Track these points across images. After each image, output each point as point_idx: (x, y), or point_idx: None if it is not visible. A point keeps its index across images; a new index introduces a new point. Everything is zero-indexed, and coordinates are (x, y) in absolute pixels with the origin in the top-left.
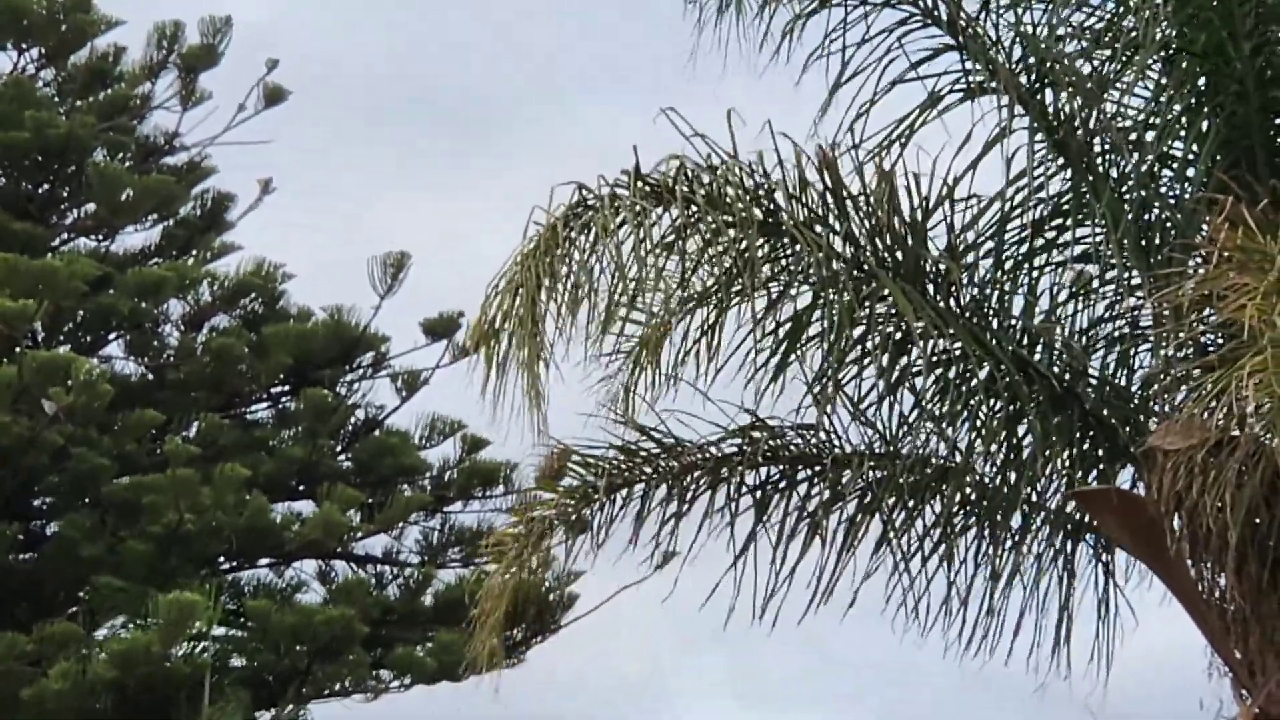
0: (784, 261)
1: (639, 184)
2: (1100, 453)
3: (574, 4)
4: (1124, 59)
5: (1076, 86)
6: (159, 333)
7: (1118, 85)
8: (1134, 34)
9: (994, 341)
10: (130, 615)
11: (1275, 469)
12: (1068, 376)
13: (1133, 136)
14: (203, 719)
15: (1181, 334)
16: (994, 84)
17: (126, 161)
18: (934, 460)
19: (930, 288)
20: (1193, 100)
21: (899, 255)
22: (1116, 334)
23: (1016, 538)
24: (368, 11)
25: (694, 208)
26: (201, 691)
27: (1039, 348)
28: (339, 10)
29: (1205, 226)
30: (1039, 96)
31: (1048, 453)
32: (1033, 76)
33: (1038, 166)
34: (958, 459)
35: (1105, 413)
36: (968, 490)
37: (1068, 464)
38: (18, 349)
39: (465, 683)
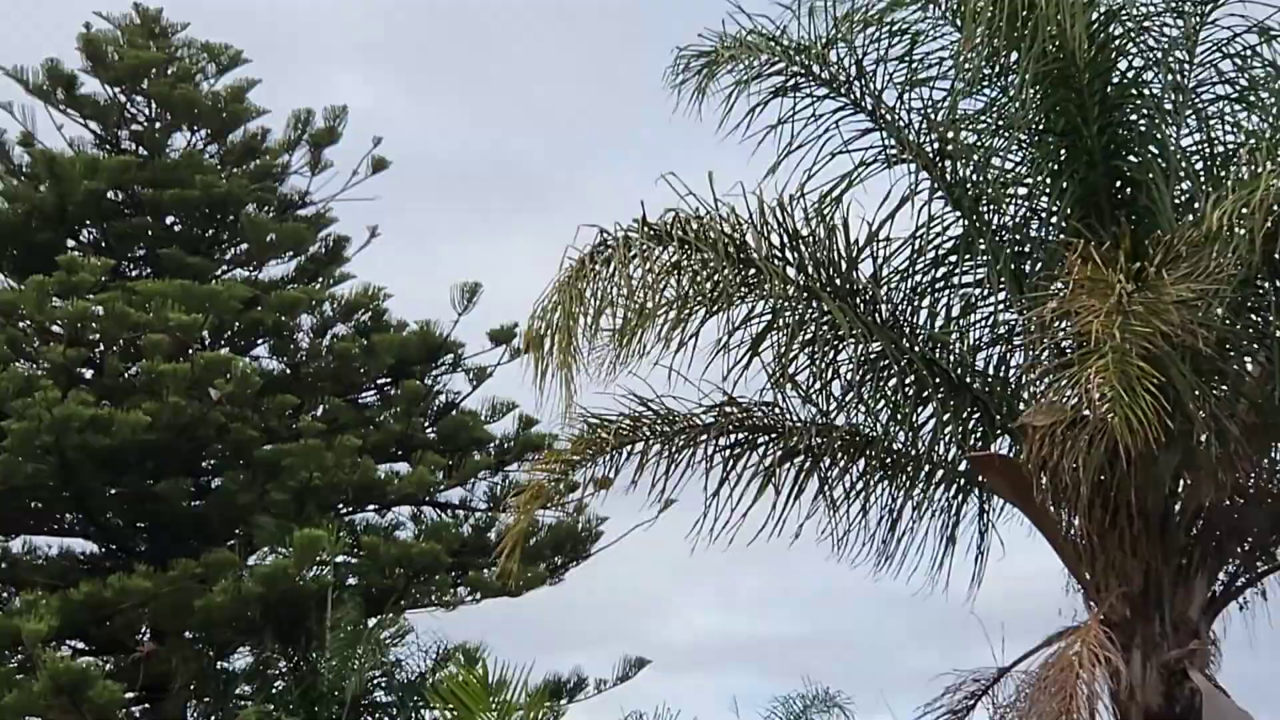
0: (751, 285)
1: (645, 229)
2: (984, 428)
3: (597, 95)
4: (1003, 136)
5: (967, 157)
6: (294, 339)
7: (998, 156)
8: (1011, 118)
9: (906, 344)
10: (273, 547)
11: (1114, 440)
12: (960, 371)
13: (1009, 193)
14: (326, 625)
15: (1045, 341)
16: (906, 155)
17: (270, 213)
18: (860, 431)
19: (859, 305)
20: (1054, 167)
21: (836, 281)
22: (997, 340)
23: (920, 488)
24: (440, 98)
25: (685, 246)
26: (325, 604)
27: (939, 350)
28: (421, 97)
29: (1064, 262)
30: (939, 164)
31: (945, 427)
32: (934, 150)
33: (938, 216)
34: (878, 430)
35: (989, 398)
36: (884, 453)
37: (960, 435)
38: (191, 351)
39: (519, 598)
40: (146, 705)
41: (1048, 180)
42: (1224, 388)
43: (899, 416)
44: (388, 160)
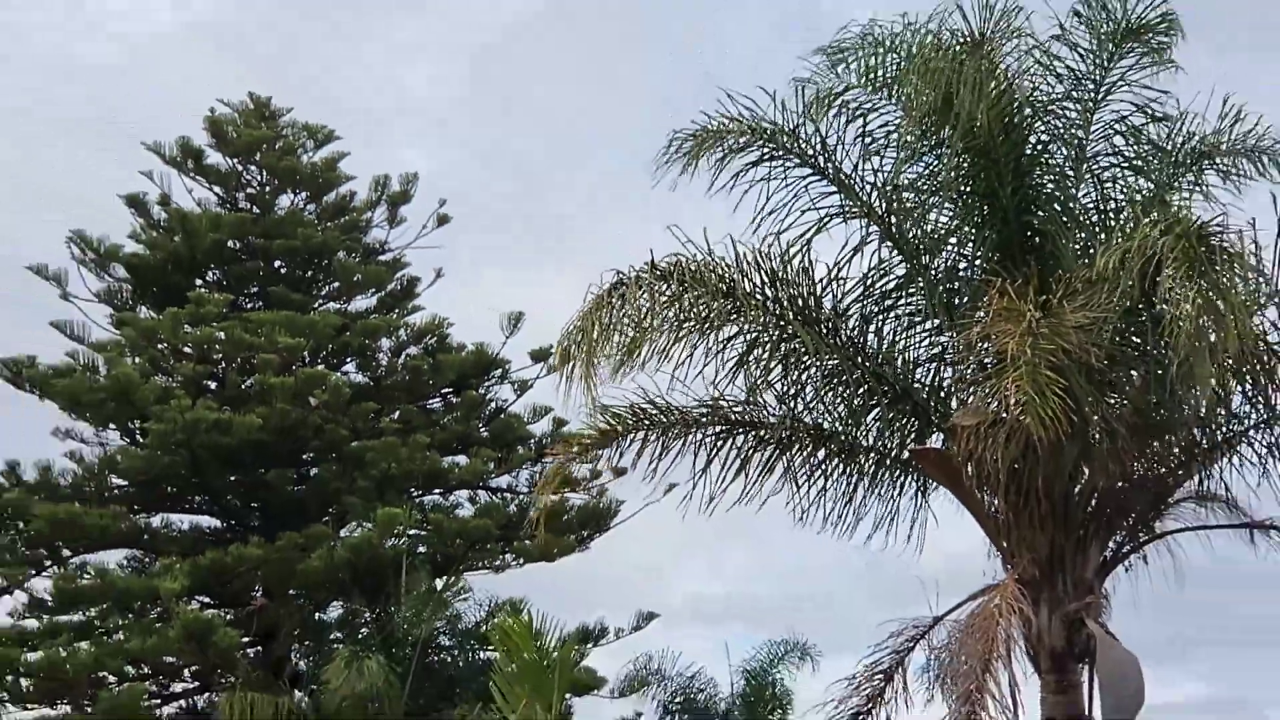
0: (738, 313)
1: (653, 270)
2: (922, 427)
3: (617, 159)
4: (937, 196)
5: (908, 213)
6: (376, 358)
7: (933, 212)
8: (942, 182)
9: (860, 361)
10: (359, 522)
11: (1026, 437)
12: (903, 381)
13: (942, 242)
14: (402, 585)
15: (971, 358)
16: (860, 212)
17: (356, 258)
18: (822, 427)
19: (823, 330)
20: (977, 221)
21: (806, 311)
22: (933, 357)
23: (870, 473)
24: (491, 164)
25: (684, 284)
26: (401, 568)
27: (886, 365)
28: (477, 164)
29: (985, 296)
30: (888, 220)
31: (891, 426)
32: (883, 208)
33: (885, 260)
34: (837, 427)
35: (926, 403)
36: (840, 445)
37: (902, 432)
38: (294, 367)
39: (554, 563)
40: (259, 649)
41: (972, 231)
42: (1113, 395)
43: (853, 417)
44: (450, 216)
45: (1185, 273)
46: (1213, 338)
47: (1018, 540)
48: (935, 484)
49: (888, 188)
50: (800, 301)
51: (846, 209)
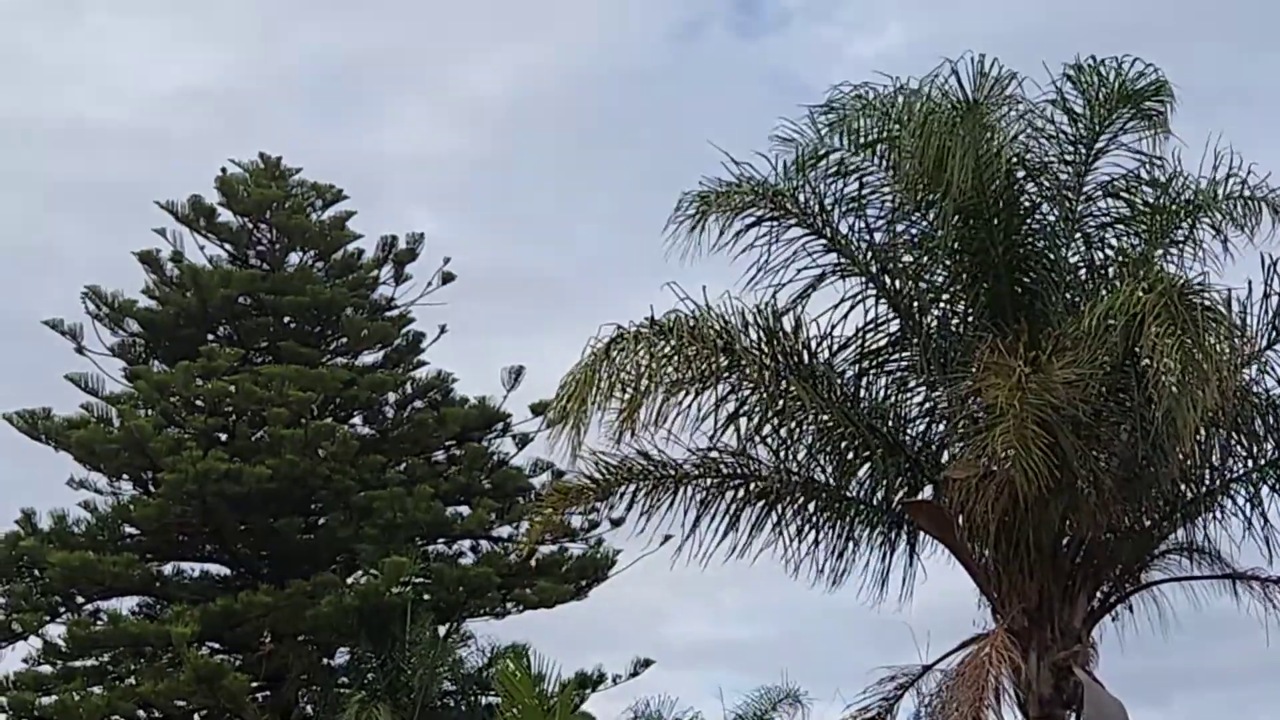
0: (734, 369)
1: (653, 326)
2: (914, 479)
3: (615, 224)
4: (931, 256)
5: (903, 272)
6: (382, 411)
7: (927, 270)
8: (935, 242)
9: (854, 415)
10: (367, 569)
11: (1015, 489)
12: (897, 434)
13: (934, 299)
14: (407, 630)
15: (962, 412)
16: (855, 270)
17: (364, 315)
18: (814, 479)
19: (817, 385)
20: (969, 279)
21: (800, 366)
22: (925, 412)
23: (861, 525)
24: (493, 226)
25: (682, 339)
26: (406, 614)
27: (879, 419)
28: (479, 225)
29: (976, 352)
30: (882, 278)
31: (883, 478)
32: (877, 267)
33: (880, 317)
34: (829, 480)
35: (918, 456)
36: (833, 497)
37: (895, 485)
38: (303, 420)
39: (556, 608)
40: (268, 692)
41: (963, 289)
42: (1100, 449)
43: (846, 470)
44: (454, 274)
45: (1168, 330)
46: (1194, 393)
47: (1008, 589)
48: (926, 535)
49: (880, 247)
50: (795, 357)
51: (844, 267)
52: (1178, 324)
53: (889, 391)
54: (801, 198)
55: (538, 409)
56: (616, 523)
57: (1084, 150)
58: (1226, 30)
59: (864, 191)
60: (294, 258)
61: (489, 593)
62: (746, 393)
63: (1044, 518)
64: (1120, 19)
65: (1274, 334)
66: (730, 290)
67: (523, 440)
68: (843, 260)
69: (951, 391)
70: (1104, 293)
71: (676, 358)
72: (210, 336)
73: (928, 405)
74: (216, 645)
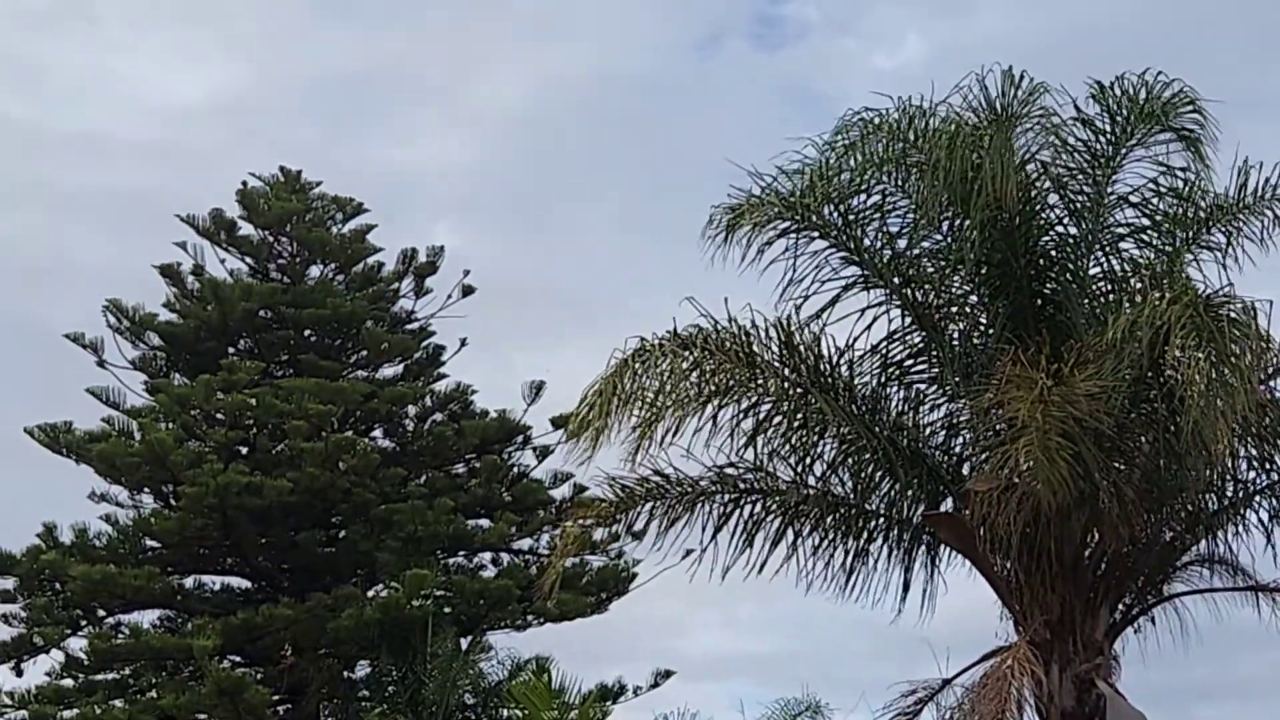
0: (756, 382)
1: (675, 339)
2: (935, 492)
3: (635, 235)
4: (954, 268)
5: (926, 282)
6: (403, 424)
7: (949, 282)
8: (958, 253)
9: (875, 428)
10: (387, 582)
11: (1038, 501)
12: (918, 446)
13: (956, 311)
14: (428, 643)
15: (984, 425)
16: (879, 282)
17: (384, 327)
18: (833, 493)
19: (840, 398)
20: (991, 291)
21: (822, 378)
22: (947, 425)
23: (881, 538)
24: (514, 238)
25: (705, 352)
26: (427, 626)
27: (902, 431)
28: (500, 237)
29: (998, 364)
30: (905, 289)
31: (906, 491)
32: (900, 278)
33: (902, 329)
34: (848, 493)
35: (939, 469)
36: (853, 511)
37: (916, 498)
38: (324, 433)
39: (574, 622)
40: (289, 705)
41: (985, 301)
42: (1122, 461)
43: (866, 482)
44: (474, 287)
45: (1195, 343)
46: (1220, 405)
47: (1029, 602)
48: (946, 548)
49: (903, 258)
50: (817, 369)
51: (869, 279)
52: (1204, 336)
53: (910, 404)
54: (825, 210)
55: (558, 422)
56: (637, 536)
57: (1106, 161)
58: (1243, 36)
59: (886, 205)
60: (315, 271)
61: (510, 605)
62: (768, 406)
63: (1066, 530)
64: (1140, 27)
65: None
66: (751, 303)
67: (543, 452)
68: (865, 272)
69: (975, 406)
70: (1126, 304)
71: (698, 371)
72: (231, 350)
73: (948, 418)
74: (238, 658)
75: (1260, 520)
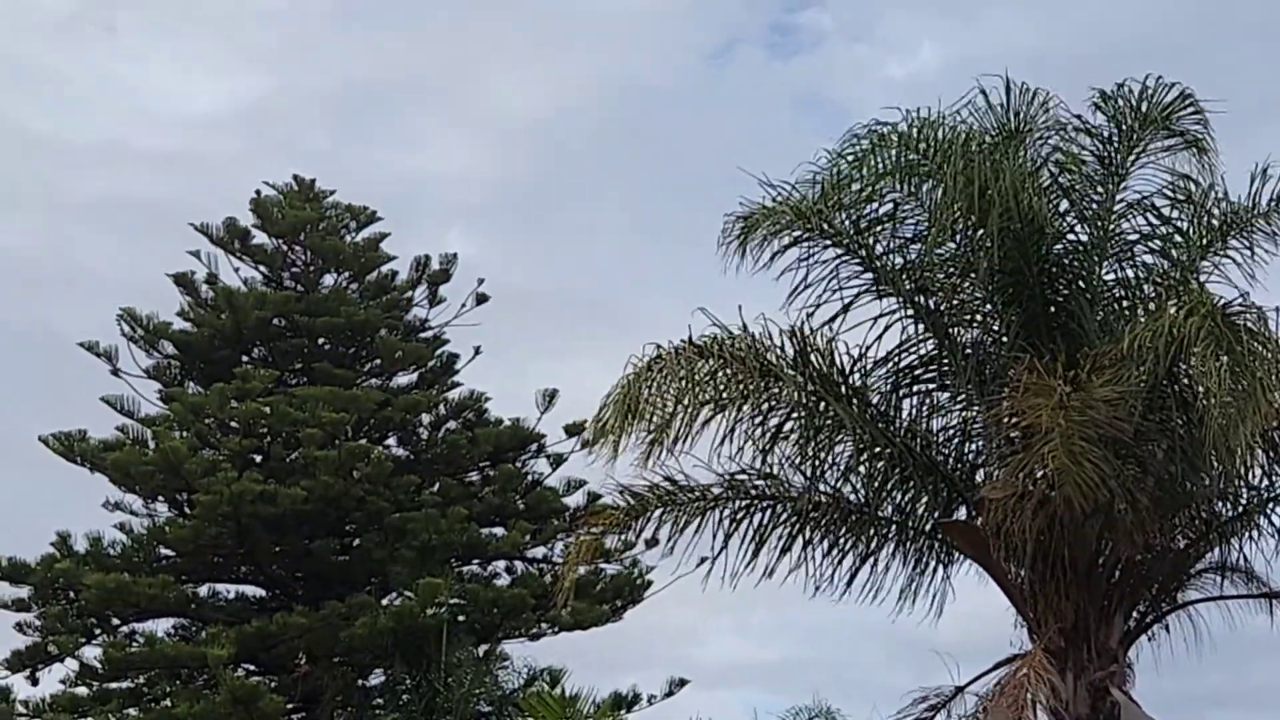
0: (771, 390)
1: (691, 346)
2: (949, 499)
3: (648, 243)
4: (968, 275)
5: (939, 290)
6: (416, 432)
7: (962, 289)
8: (971, 261)
9: (888, 435)
10: (401, 591)
11: (1052, 509)
12: (932, 453)
13: (970, 319)
14: (442, 652)
15: (999, 432)
16: (890, 290)
17: (398, 335)
18: (846, 500)
19: (854, 405)
20: (1004, 299)
21: (836, 386)
22: (961, 432)
23: (893, 544)
24: (525, 245)
25: (721, 360)
26: (441, 635)
27: (914, 438)
28: (513, 243)
29: (1013, 372)
30: (917, 297)
31: (920, 499)
32: (912, 286)
33: (915, 337)
34: (861, 500)
35: (953, 476)
36: (864, 517)
37: (930, 505)
38: (337, 441)
39: (587, 631)
40: (303, 714)
41: (999, 309)
42: (1137, 468)
43: (880, 490)
44: (488, 295)
45: (1213, 352)
46: (1244, 415)
47: (1044, 609)
48: (958, 555)
49: (915, 266)
50: (830, 376)
51: (881, 287)
52: (1222, 346)
53: (923, 411)
54: (837, 219)
55: (572, 430)
56: (651, 543)
57: (1115, 168)
58: (1261, 42)
59: (898, 213)
60: (328, 279)
61: (523, 614)
62: (782, 413)
63: (1080, 537)
64: (1152, 35)
65: None
66: (763, 309)
67: (557, 460)
68: (878, 280)
69: (989, 415)
70: (1140, 312)
71: (713, 378)
72: (245, 358)
73: (961, 425)
74: (252, 667)
75: (1274, 527)
